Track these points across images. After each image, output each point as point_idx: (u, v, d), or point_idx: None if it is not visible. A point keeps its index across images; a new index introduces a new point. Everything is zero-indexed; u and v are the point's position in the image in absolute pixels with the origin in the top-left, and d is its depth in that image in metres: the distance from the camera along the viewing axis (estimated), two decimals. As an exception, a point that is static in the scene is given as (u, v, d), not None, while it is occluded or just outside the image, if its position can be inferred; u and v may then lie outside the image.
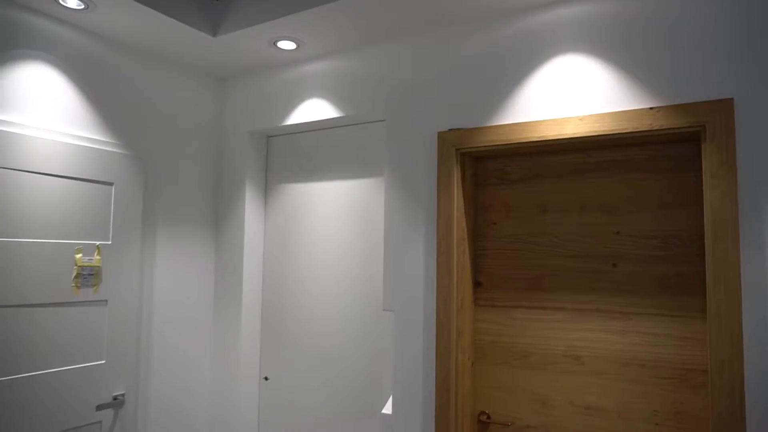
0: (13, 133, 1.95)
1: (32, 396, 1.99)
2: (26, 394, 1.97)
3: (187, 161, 2.62)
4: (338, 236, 2.50)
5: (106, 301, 2.24)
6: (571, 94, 1.83)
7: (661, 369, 1.74)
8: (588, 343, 1.86)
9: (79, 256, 2.14)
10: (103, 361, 2.23)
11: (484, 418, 2.01)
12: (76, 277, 2.12)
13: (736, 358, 1.49)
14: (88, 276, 2.16)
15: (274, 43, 2.31)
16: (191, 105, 2.66)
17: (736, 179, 1.55)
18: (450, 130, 2.03)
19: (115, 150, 2.29)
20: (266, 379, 2.69)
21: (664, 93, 1.69)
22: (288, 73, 2.57)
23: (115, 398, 2.26)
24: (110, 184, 2.27)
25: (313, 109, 2.46)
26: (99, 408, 2.19)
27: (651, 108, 1.69)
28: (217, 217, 2.76)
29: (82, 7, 2.00)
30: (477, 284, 2.09)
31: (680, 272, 1.74)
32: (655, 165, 1.81)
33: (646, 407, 1.75)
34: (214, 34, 2.27)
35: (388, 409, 2.10)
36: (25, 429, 1.96)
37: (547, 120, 1.85)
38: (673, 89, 1.67)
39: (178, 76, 2.60)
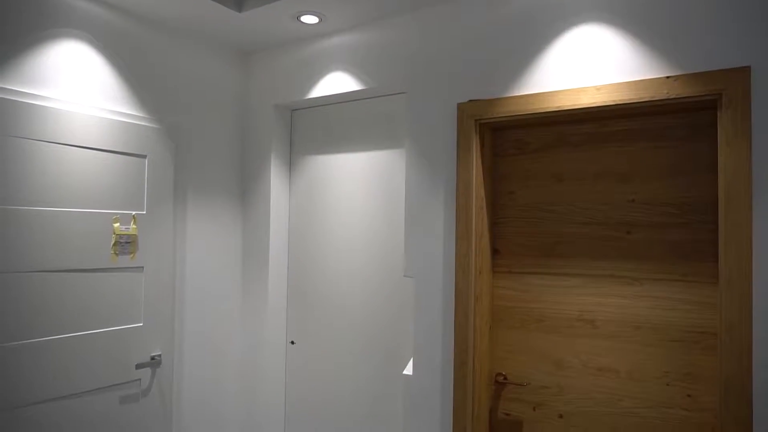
0: (53, 108, 2.06)
1: (79, 354, 2.14)
2: (73, 352, 2.12)
3: (214, 134, 2.72)
4: (360, 206, 2.58)
5: (142, 267, 2.37)
6: (588, 64, 1.86)
7: (672, 332, 1.80)
8: (601, 308, 1.92)
9: (116, 225, 2.26)
10: (140, 324, 2.37)
11: (500, 378, 2.10)
12: (114, 244, 2.25)
13: (745, 321, 1.55)
14: (125, 244, 2.29)
15: (298, 18, 2.37)
16: (218, 80, 2.74)
17: (750, 147, 1.57)
18: (469, 101, 2.08)
19: (147, 124, 2.40)
20: (293, 343, 2.82)
21: (681, 62, 1.70)
22: (311, 47, 2.62)
23: (152, 358, 2.41)
24: (143, 156, 2.38)
25: (336, 82, 2.52)
26: (138, 366, 2.34)
27: (668, 77, 1.71)
28: (244, 187, 2.86)
29: (114, -15, 2.08)
30: (495, 252, 2.16)
31: (694, 239, 1.78)
32: (671, 133, 1.84)
33: (657, 368, 1.81)
34: (240, 9, 2.33)
35: (409, 370, 2.21)
36: (75, 384, 2.12)
37: (564, 90, 1.88)
38: (690, 58, 1.69)
39: (205, 51, 2.68)
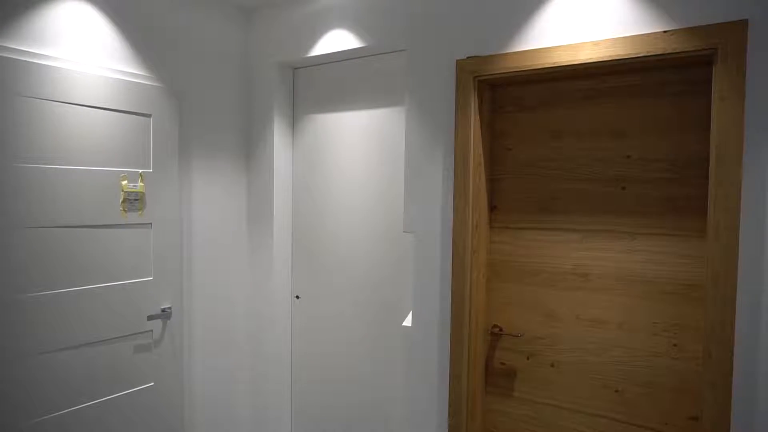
0: (59, 67, 2.10)
1: (93, 306, 2.24)
2: (88, 304, 2.23)
3: (217, 93, 2.75)
4: (362, 163, 2.62)
5: (151, 224, 2.45)
6: (586, 19, 1.85)
7: (662, 285, 1.85)
8: (595, 262, 1.97)
9: (124, 182, 2.33)
10: (151, 278, 2.47)
11: (496, 330, 2.18)
12: (123, 201, 2.33)
13: (730, 273, 1.59)
14: (133, 201, 2.36)
15: (297, -26, 2.35)
16: (220, 38, 2.75)
17: (744, 102, 1.58)
18: (468, 57, 2.08)
19: (151, 83, 2.43)
20: (297, 297, 2.92)
21: (677, 16, 1.70)
22: (312, 4, 2.61)
23: (163, 310, 2.52)
24: (148, 115, 2.42)
25: (337, 40, 2.52)
26: (150, 318, 2.45)
27: (665, 31, 1.70)
28: (248, 145, 2.91)
29: (113, -58, 2.08)
30: (492, 207, 2.20)
31: (687, 194, 1.81)
32: (667, 89, 1.84)
33: (647, 319, 1.88)
34: (239, -35, 2.32)
35: (408, 322, 2.29)
36: (91, 333, 2.23)
37: (562, 46, 1.88)
38: (687, 11, 1.68)
39: (207, 9, 2.68)
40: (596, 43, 1.81)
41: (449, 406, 2.12)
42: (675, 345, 1.83)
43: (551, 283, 2.07)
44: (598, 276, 1.97)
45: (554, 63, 1.88)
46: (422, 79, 2.22)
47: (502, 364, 2.18)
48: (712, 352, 1.62)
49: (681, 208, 1.82)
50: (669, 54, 1.70)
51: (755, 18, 1.58)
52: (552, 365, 2.06)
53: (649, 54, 1.72)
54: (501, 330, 2.18)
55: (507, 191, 2.16)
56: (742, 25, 1.58)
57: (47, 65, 2.06)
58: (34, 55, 2.04)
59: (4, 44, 1.96)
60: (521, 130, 2.12)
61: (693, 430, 1.81)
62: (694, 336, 1.80)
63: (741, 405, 1.60)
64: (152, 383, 2.49)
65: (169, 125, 2.51)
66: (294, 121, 2.89)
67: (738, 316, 1.60)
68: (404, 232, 2.30)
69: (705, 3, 1.65)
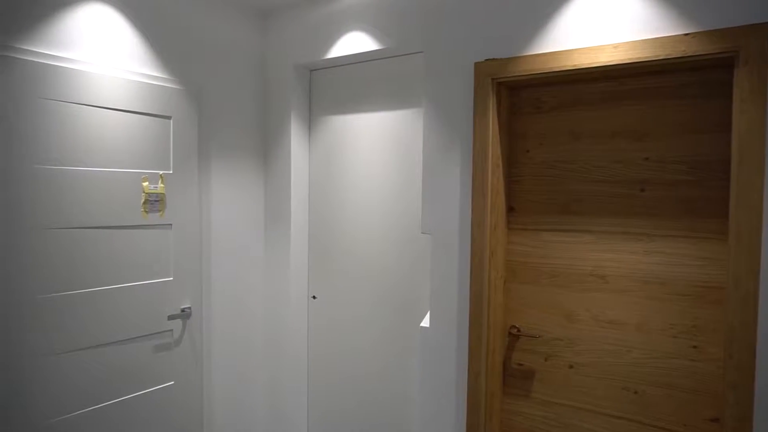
0: (82, 70, 2.13)
1: (115, 305, 2.28)
2: (110, 304, 2.26)
3: (235, 94, 2.78)
4: (379, 165, 2.64)
5: (171, 224, 2.48)
6: (606, 22, 1.86)
7: (680, 286, 1.86)
8: (613, 263, 1.98)
9: (145, 184, 2.36)
10: (171, 278, 2.50)
11: (514, 331, 2.19)
12: (144, 203, 2.36)
13: (752, 274, 1.60)
14: (154, 202, 2.40)
15: (315, -23, 2.38)
16: (238, 40, 2.78)
17: (765, 104, 1.58)
18: (486, 60, 2.09)
19: (171, 85, 2.46)
20: (314, 297, 2.95)
21: (699, 18, 1.70)
22: (329, 7, 2.63)
23: (182, 310, 2.55)
24: (168, 117, 2.45)
25: (354, 42, 2.54)
26: (170, 318, 2.48)
27: (686, 34, 1.71)
28: (265, 146, 2.94)
29: (135, -53, 2.11)
30: (510, 209, 2.21)
31: (706, 196, 1.82)
32: (687, 91, 1.85)
33: (664, 321, 1.88)
34: (258, -31, 2.34)
35: (426, 322, 2.31)
36: (113, 333, 2.27)
37: (581, 48, 1.89)
38: (709, 14, 1.68)
39: (225, 12, 2.71)
40: (616, 46, 1.82)
41: (467, 405, 2.14)
42: (694, 347, 1.84)
43: (569, 285, 2.08)
44: (616, 277, 1.98)
45: (574, 66, 1.89)
46: (440, 81, 2.23)
47: (520, 364, 2.19)
48: (734, 353, 1.62)
49: (700, 209, 1.83)
50: (690, 57, 1.70)
51: (777, 21, 1.58)
52: (570, 366, 2.07)
53: (669, 57, 1.73)
54: (519, 331, 2.19)
55: (525, 193, 2.17)
56: (764, 27, 1.58)
57: (69, 68, 2.10)
58: (57, 58, 2.07)
59: (28, 47, 1.99)
60: (539, 131, 2.13)
61: (713, 432, 1.81)
62: (713, 338, 1.80)
63: (764, 407, 1.61)
64: (172, 382, 2.52)
65: (189, 127, 2.54)
66: (311, 122, 2.91)
67: (760, 318, 1.60)
68: (422, 233, 2.31)
69: (727, 6, 1.66)
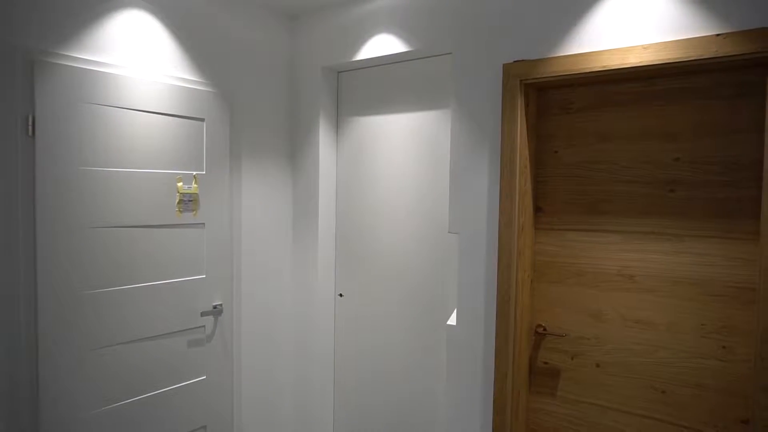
0: (120, 75, 2.21)
1: (151, 302, 2.36)
2: (146, 300, 2.34)
3: (265, 97, 2.84)
4: (406, 165, 2.68)
5: (204, 224, 2.55)
6: (635, 23, 1.87)
7: (710, 287, 1.86)
8: (641, 263, 1.99)
9: (180, 184, 2.43)
10: (203, 276, 2.57)
11: (540, 329, 2.21)
12: (178, 202, 2.43)
13: (783, 276, 1.59)
14: (188, 202, 2.47)
15: (345, -19, 2.42)
16: (267, 44, 2.84)
17: (798, 105, 1.58)
18: (515, 61, 2.11)
19: (204, 88, 2.53)
20: (341, 295, 2.99)
21: (730, 19, 1.70)
22: (357, 9, 2.68)
23: (214, 307, 2.62)
24: (201, 120, 2.52)
25: (382, 44, 2.58)
26: (203, 314, 2.55)
27: (717, 35, 1.71)
28: (294, 148, 2.99)
29: (172, -45, 2.17)
30: (537, 209, 2.23)
31: (737, 196, 1.81)
32: (718, 92, 1.84)
33: (695, 321, 1.89)
34: (289, -26, 2.39)
35: (452, 320, 2.34)
36: (149, 328, 2.35)
37: (611, 49, 1.90)
38: (741, 15, 1.68)
39: (255, 16, 2.77)
40: (646, 47, 1.82)
41: (494, 404, 2.16)
42: (724, 347, 1.84)
43: (596, 284, 2.09)
44: (644, 277, 1.99)
45: (602, 67, 1.90)
46: (468, 83, 2.26)
47: (545, 363, 2.21)
48: (765, 355, 1.62)
49: (731, 210, 1.83)
50: (722, 57, 1.70)
51: (811, 21, 1.58)
52: (597, 365, 2.09)
53: (700, 57, 1.73)
54: (545, 330, 2.21)
55: (553, 193, 2.19)
56: (797, 28, 1.58)
57: (108, 73, 2.17)
58: (97, 63, 2.15)
59: (69, 53, 2.07)
60: (568, 132, 2.14)
61: (743, 433, 1.81)
62: (744, 339, 1.80)
63: (794, 408, 1.61)
64: (204, 377, 2.59)
65: (221, 129, 2.61)
66: (339, 124, 2.96)
67: (791, 319, 1.60)
68: (449, 232, 2.34)
69: (759, 6, 1.65)
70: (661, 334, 1.95)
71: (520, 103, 2.09)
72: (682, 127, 1.91)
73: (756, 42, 1.64)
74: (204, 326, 2.59)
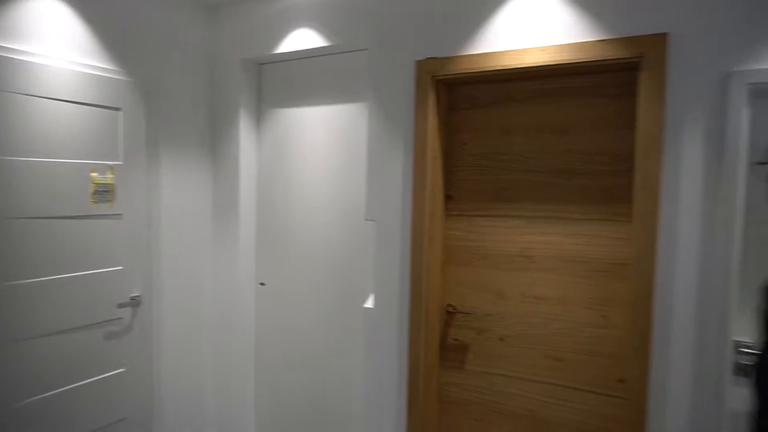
0: (29, 62, 2.15)
1: (65, 294, 2.31)
2: (60, 292, 2.29)
3: (185, 87, 2.82)
4: (326, 156, 2.77)
5: (121, 214, 2.52)
6: (534, 27, 2.06)
7: (597, 264, 2.09)
8: (539, 245, 2.20)
9: (94, 174, 2.39)
10: (121, 267, 2.54)
11: (450, 309, 2.38)
12: (93, 193, 2.39)
13: (650, 252, 1.84)
14: (103, 192, 2.43)
15: (263, -26, 2.46)
16: (187, 33, 2.83)
17: (663, 105, 1.83)
18: (426, 58, 2.26)
19: (120, 78, 2.49)
20: (262, 284, 3.04)
21: (613, 27, 1.93)
22: (278, 3, 2.73)
23: (132, 298, 2.60)
24: (118, 109, 2.48)
25: (302, 38, 2.65)
26: (120, 306, 2.52)
27: (602, 40, 1.93)
28: (215, 139, 3.00)
29: (83, -61, 2.13)
30: (448, 197, 2.40)
31: (621, 184, 2.06)
32: (604, 91, 2.08)
33: (583, 295, 2.12)
34: (207, -35, 2.41)
35: (369, 303, 2.47)
36: (63, 321, 2.30)
37: (512, 50, 2.08)
38: (620, 23, 1.91)
39: (174, 6, 2.75)
40: (542, 49, 2.02)
41: (408, 379, 2.31)
42: (604, 316, 2.08)
43: (499, 265, 2.28)
44: (542, 258, 2.20)
45: (504, 66, 2.08)
46: (383, 78, 2.38)
47: (455, 340, 2.39)
48: (635, 320, 1.87)
49: (615, 196, 2.07)
50: (604, 60, 1.93)
51: (675, 32, 1.82)
52: (500, 339, 2.29)
53: (588, 60, 1.95)
54: (454, 309, 2.38)
55: (461, 182, 2.36)
56: (662, 37, 1.82)
57: (19, 59, 2.11)
58: (6, 49, 2.08)
59: (-26, 37, 1.99)
60: (475, 126, 2.32)
61: (620, 391, 2.06)
62: (620, 308, 2.05)
63: (658, 367, 1.86)
64: (123, 369, 2.56)
65: (138, 119, 2.58)
66: (260, 115, 3.00)
67: (656, 289, 1.85)
68: (366, 220, 2.46)
69: (634, 17, 1.89)
70: (555, 307, 2.18)
71: (431, 97, 2.24)
72: (573, 122, 2.13)
73: (631, 48, 1.87)
74: (121, 318, 2.56)
